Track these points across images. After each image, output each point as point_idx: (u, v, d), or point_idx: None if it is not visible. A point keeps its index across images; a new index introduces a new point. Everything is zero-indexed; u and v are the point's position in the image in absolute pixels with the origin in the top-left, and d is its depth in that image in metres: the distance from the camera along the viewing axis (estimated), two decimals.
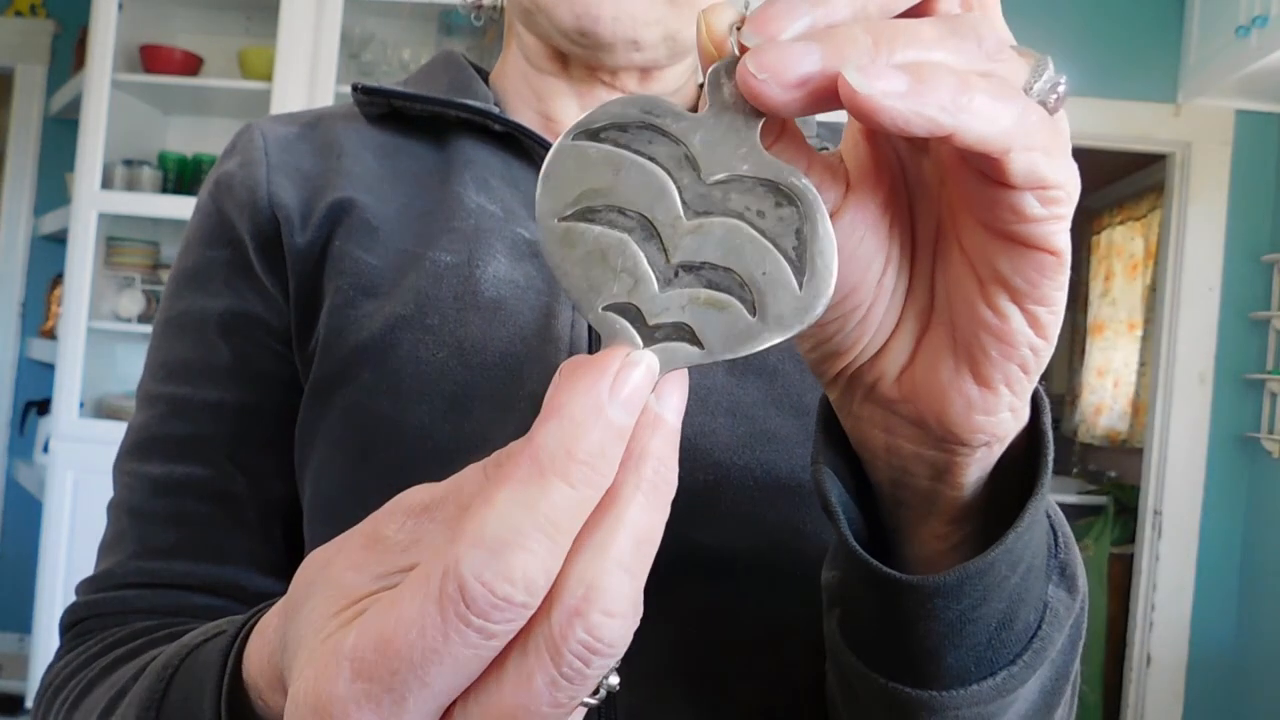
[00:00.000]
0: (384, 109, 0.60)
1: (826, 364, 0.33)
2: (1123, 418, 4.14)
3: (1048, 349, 0.30)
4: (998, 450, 0.33)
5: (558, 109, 0.61)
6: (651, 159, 0.26)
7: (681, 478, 0.49)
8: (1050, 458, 0.35)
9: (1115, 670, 3.21)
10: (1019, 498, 0.35)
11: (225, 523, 0.55)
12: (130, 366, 2.97)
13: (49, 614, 2.62)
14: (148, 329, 2.77)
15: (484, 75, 0.66)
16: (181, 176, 2.82)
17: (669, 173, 0.26)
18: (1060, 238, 0.28)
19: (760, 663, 0.51)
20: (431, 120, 0.60)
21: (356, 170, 0.58)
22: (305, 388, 0.55)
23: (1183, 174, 2.94)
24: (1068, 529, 0.43)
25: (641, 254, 0.26)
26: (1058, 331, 0.30)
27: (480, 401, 0.51)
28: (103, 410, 2.76)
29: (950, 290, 0.31)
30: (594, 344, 0.52)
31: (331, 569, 0.27)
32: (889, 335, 0.32)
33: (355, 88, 0.60)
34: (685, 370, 0.26)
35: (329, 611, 0.26)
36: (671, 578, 0.49)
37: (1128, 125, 2.89)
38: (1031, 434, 0.35)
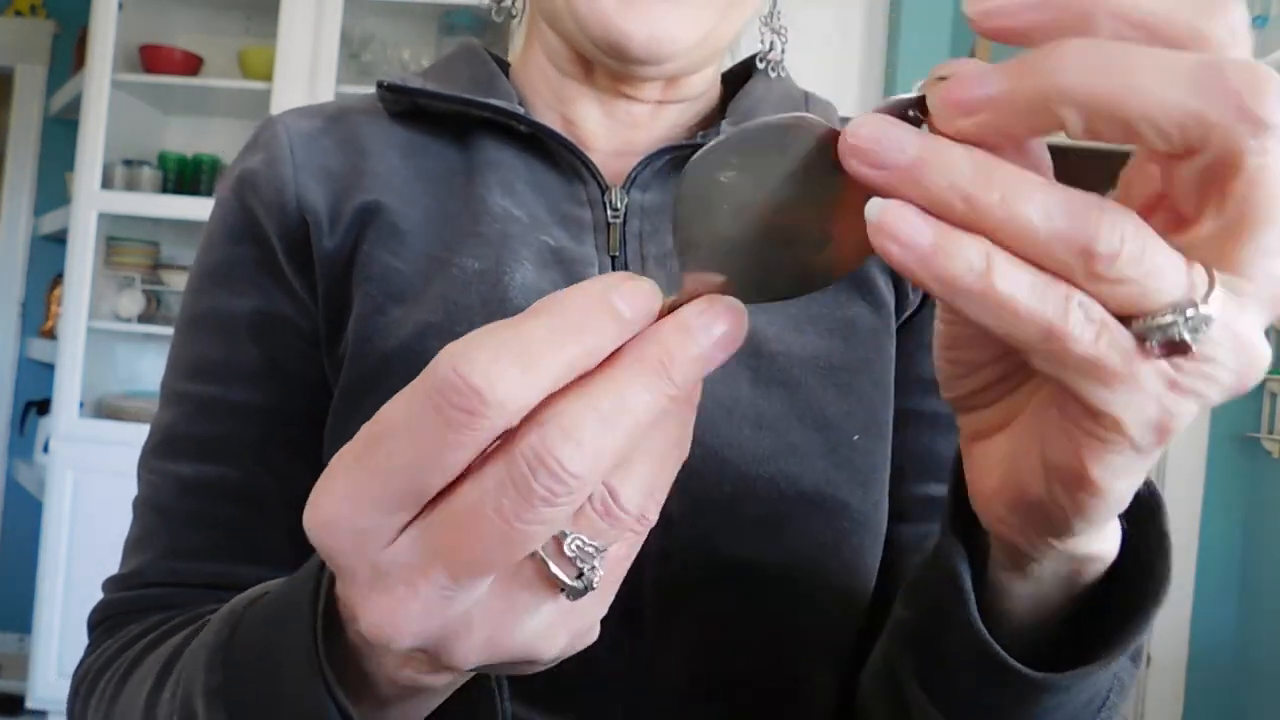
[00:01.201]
0: (407, 106, 0.60)
1: (942, 372, 0.33)
2: None
3: (1086, 527, 0.29)
4: (1046, 580, 0.34)
5: (579, 113, 0.61)
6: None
7: (706, 488, 0.48)
8: (1169, 566, 0.35)
9: None
10: (1125, 580, 0.35)
11: (254, 523, 0.55)
12: (130, 366, 2.96)
13: (49, 614, 2.62)
14: (148, 329, 2.77)
15: (504, 67, 0.65)
16: (181, 176, 2.82)
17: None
18: (1097, 465, 0.26)
19: (778, 670, 0.52)
20: (454, 118, 0.59)
21: (381, 171, 0.57)
22: (335, 391, 0.55)
23: None
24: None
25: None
26: (1086, 523, 0.29)
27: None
28: (103, 410, 2.76)
29: (1030, 416, 0.30)
30: None
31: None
32: (987, 401, 0.32)
33: (380, 84, 0.59)
34: (743, 311, 0.27)
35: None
36: (694, 584, 0.50)
37: None
38: (1147, 531, 0.35)
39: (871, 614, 0.55)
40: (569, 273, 0.55)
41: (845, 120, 0.66)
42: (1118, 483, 0.26)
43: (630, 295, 0.26)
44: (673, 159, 0.58)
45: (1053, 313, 0.23)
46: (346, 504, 0.27)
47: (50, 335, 3.25)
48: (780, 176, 0.27)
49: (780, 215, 0.27)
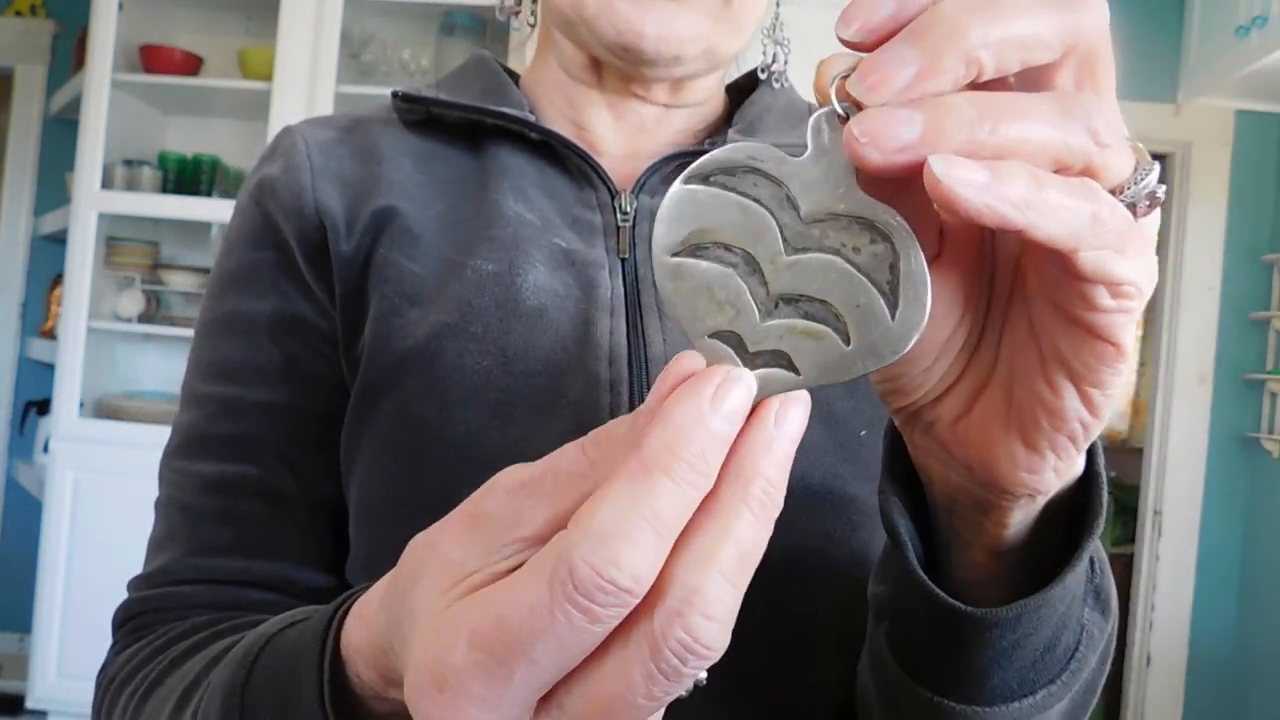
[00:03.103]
0: (421, 115, 0.61)
1: (890, 397, 0.35)
2: (1122, 418, 4.15)
3: (1098, 425, 0.32)
4: (1041, 501, 0.35)
5: (590, 118, 0.62)
6: (755, 200, 0.28)
7: None
8: (1104, 501, 0.36)
9: (1115, 670, 3.21)
10: (1068, 533, 0.37)
11: (277, 520, 0.56)
12: (130, 366, 2.97)
13: (49, 614, 2.62)
14: (148, 329, 2.77)
15: (515, 78, 0.67)
16: (181, 176, 2.82)
17: (771, 212, 0.28)
18: (1124, 330, 0.29)
19: (789, 662, 0.53)
20: (468, 126, 0.61)
21: (396, 177, 0.59)
22: (352, 392, 0.56)
23: (1182, 174, 2.94)
24: (1104, 554, 0.45)
25: (745, 287, 0.28)
26: (1110, 411, 0.31)
27: (523, 408, 0.52)
28: (102, 410, 2.76)
29: (1013, 357, 0.32)
30: (633, 353, 0.54)
31: (439, 548, 0.29)
32: (950, 384, 0.34)
33: (395, 94, 0.61)
34: (806, 397, 0.27)
35: (440, 588, 0.28)
36: None
37: (1127, 125, 2.87)
38: (1084, 475, 0.37)
39: None
40: (580, 275, 0.56)
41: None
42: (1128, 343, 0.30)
43: (733, 413, 0.26)
44: (680, 164, 0.59)
45: (1091, 200, 0.26)
46: (484, 708, 0.27)
47: (50, 335, 3.26)
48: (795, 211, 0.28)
49: (816, 263, 0.28)
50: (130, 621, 0.56)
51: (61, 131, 3.37)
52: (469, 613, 0.27)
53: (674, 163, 0.59)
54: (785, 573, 0.52)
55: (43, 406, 3.36)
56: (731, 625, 0.26)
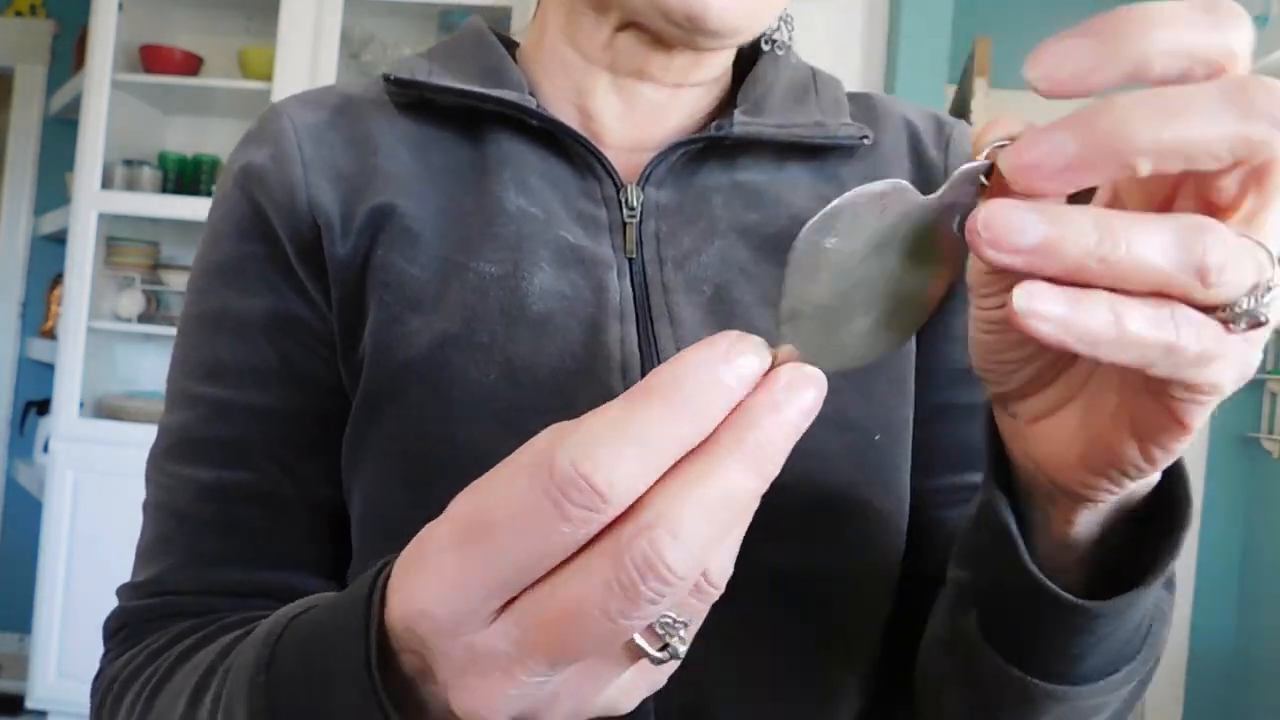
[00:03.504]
0: (415, 98, 0.58)
1: (985, 377, 0.36)
2: None
3: (1154, 473, 0.34)
4: (1103, 508, 0.37)
5: (597, 104, 0.59)
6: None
7: None
8: (1190, 496, 0.38)
9: None
10: (1153, 517, 0.38)
11: (276, 528, 0.55)
12: (130, 366, 2.97)
13: (49, 614, 2.62)
14: (148, 329, 2.77)
15: (510, 47, 0.63)
16: (181, 176, 2.82)
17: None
18: (1196, 418, 0.30)
19: (808, 671, 0.53)
20: (464, 110, 0.57)
21: (392, 169, 0.56)
22: (354, 399, 0.54)
23: None
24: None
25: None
26: (1169, 462, 0.33)
27: (533, 419, 0.49)
28: (103, 410, 2.76)
29: (1097, 387, 0.34)
30: (646, 363, 0.52)
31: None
32: (1040, 387, 0.35)
33: (386, 78, 0.58)
34: (820, 376, 0.28)
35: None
36: (727, 592, 0.49)
37: None
38: (1167, 471, 0.37)
39: (901, 605, 0.56)
40: (588, 274, 0.54)
41: (857, 97, 0.62)
42: (1200, 422, 0.31)
43: (743, 367, 0.27)
44: (686, 153, 0.57)
45: (1168, 334, 0.27)
46: (446, 590, 0.27)
47: (50, 335, 3.26)
48: (875, 242, 0.29)
49: (873, 279, 0.30)
50: (123, 631, 0.55)
51: (61, 131, 3.37)
52: (458, 500, 0.28)
53: (679, 151, 0.56)
54: (800, 580, 0.52)
55: (43, 406, 3.36)
56: (704, 565, 0.26)
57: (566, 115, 0.59)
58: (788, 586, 0.52)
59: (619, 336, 0.52)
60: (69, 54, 3.43)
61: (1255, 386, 2.90)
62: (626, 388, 0.49)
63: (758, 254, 0.56)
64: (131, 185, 2.74)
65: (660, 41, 0.55)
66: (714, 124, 0.57)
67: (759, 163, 0.58)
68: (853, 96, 0.63)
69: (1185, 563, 2.95)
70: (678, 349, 0.52)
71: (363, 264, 0.54)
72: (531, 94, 0.58)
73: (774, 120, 0.58)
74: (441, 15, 2.78)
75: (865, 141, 0.59)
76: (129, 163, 2.76)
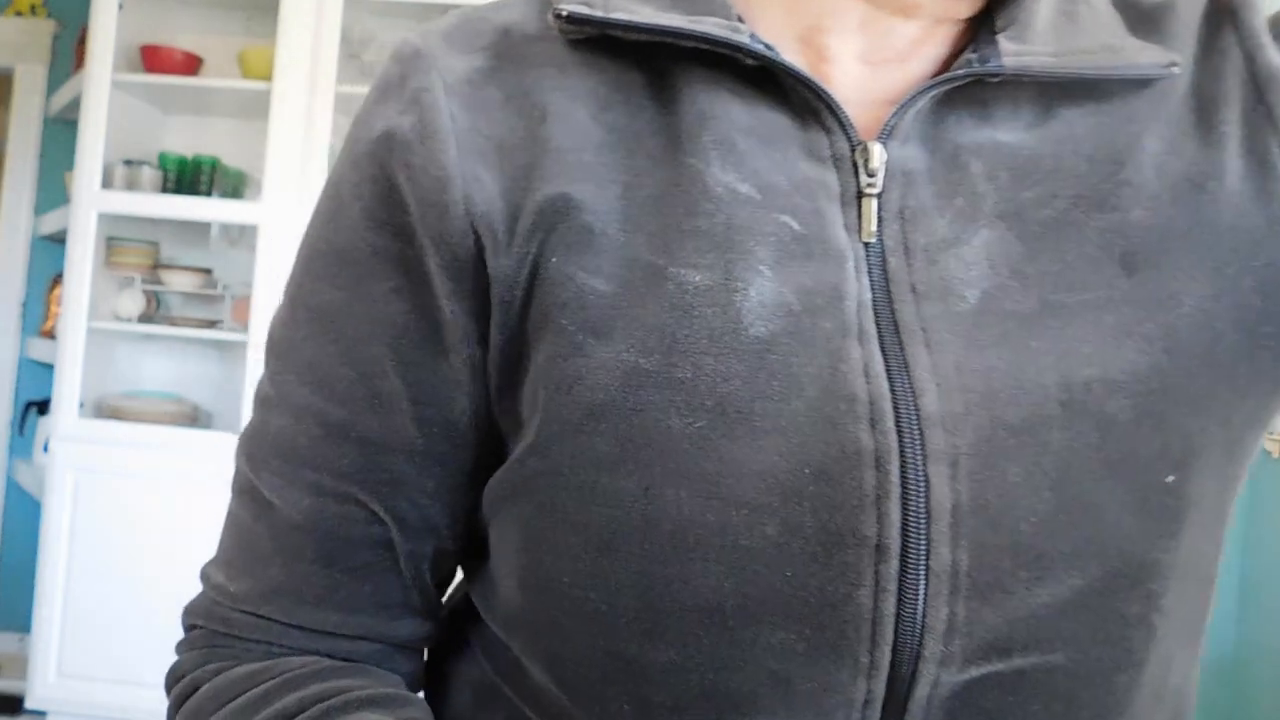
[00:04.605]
0: (594, 33, 0.45)
1: None
2: None
3: None
4: None
5: (835, 42, 0.45)
6: None
7: (999, 576, 0.39)
8: None
9: None
10: None
11: (380, 573, 0.48)
12: (130, 366, 2.97)
13: (49, 614, 2.62)
14: (148, 329, 2.77)
15: None
16: (181, 176, 2.82)
17: None
18: None
19: None
20: (649, 49, 0.45)
21: (566, 143, 0.44)
22: (514, 444, 0.45)
23: None
24: None
25: None
26: None
27: (749, 481, 0.39)
28: (103, 410, 2.76)
29: None
30: (899, 405, 0.39)
31: None
32: None
33: (558, 14, 0.45)
34: None
35: None
36: (979, 687, 0.40)
37: None
38: None
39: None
40: (819, 274, 0.41)
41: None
42: None
43: None
44: (939, 96, 0.43)
45: None
46: None
47: (50, 335, 3.26)
48: None
49: None
50: (199, 629, 0.51)
51: (61, 131, 3.37)
52: None
53: (930, 94, 0.43)
54: (1072, 673, 0.40)
55: (43, 406, 3.36)
56: None
57: (790, 52, 0.46)
58: (1045, 676, 0.42)
59: (861, 365, 0.40)
60: (69, 54, 3.43)
61: None
62: (877, 441, 0.39)
63: (1032, 249, 0.42)
64: (131, 185, 2.73)
65: None
66: (971, 54, 0.44)
67: (1018, 110, 0.44)
68: None
69: None
70: (938, 389, 0.40)
71: (530, 277, 0.43)
72: (740, 20, 0.45)
73: (1049, 48, 0.43)
74: (441, 16, 2.77)
75: (1174, 70, 0.44)
76: (129, 163, 2.75)
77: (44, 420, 3.29)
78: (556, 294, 0.42)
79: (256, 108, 2.73)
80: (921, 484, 0.39)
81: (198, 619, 0.51)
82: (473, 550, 0.51)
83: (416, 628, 0.51)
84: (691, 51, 0.44)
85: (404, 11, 2.78)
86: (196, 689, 0.48)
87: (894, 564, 0.38)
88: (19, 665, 3.06)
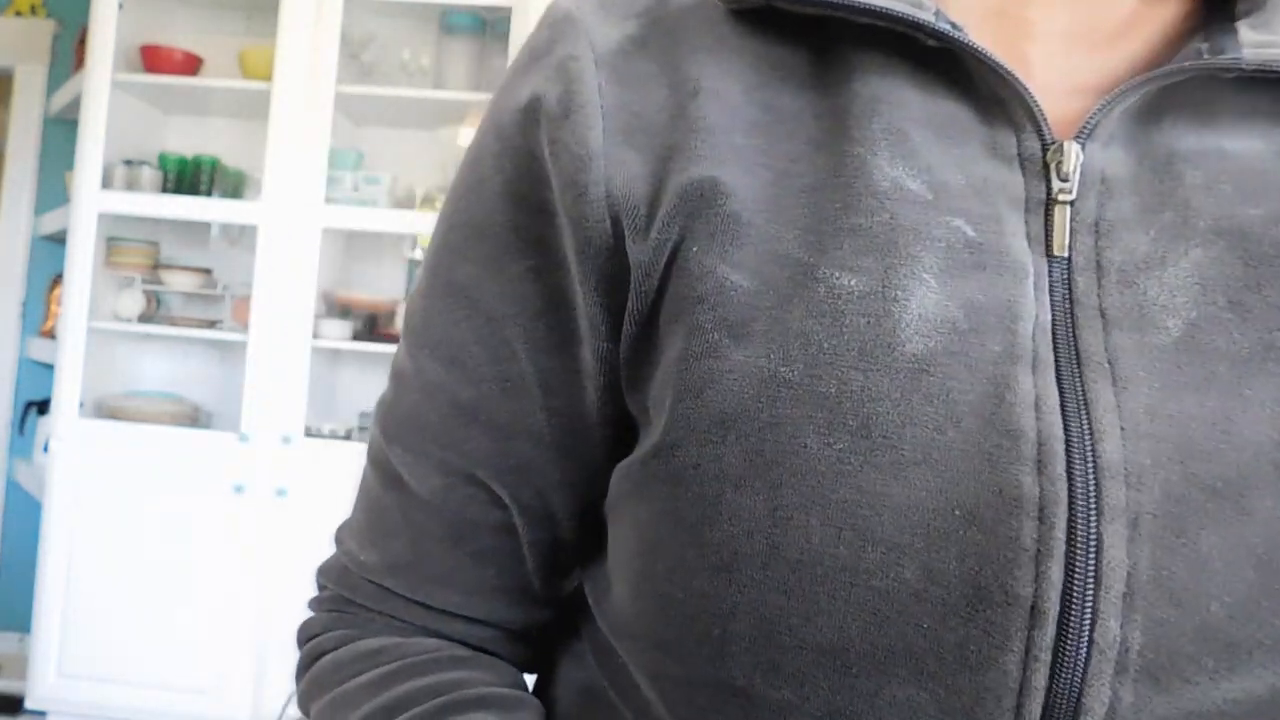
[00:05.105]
0: (758, 3, 0.41)
1: None
2: None
3: None
4: None
5: (1039, 16, 0.40)
6: None
7: (1180, 665, 0.34)
8: None
9: None
10: None
11: (503, 558, 0.48)
12: (130, 367, 2.97)
13: (48, 614, 2.62)
14: (148, 329, 2.77)
15: None
16: (181, 176, 2.82)
17: None
18: None
19: None
20: (816, 23, 0.41)
21: (717, 121, 0.40)
22: (639, 447, 0.41)
23: None
24: None
25: None
26: None
27: (889, 517, 0.35)
28: (103, 410, 2.76)
29: None
30: (1073, 448, 0.34)
31: None
32: None
33: None
34: None
35: None
36: None
37: None
38: None
39: None
40: (991, 289, 0.36)
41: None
42: None
43: None
44: (1155, 91, 0.38)
45: None
46: None
47: (50, 335, 3.26)
48: None
49: None
50: (329, 592, 0.51)
51: (61, 131, 3.37)
52: None
53: (1145, 88, 0.37)
54: None
55: (43, 406, 3.36)
56: None
57: (978, 32, 0.40)
58: None
59: (1031, 398, 0.35)
60: (69, 54, 3.43)
61: None
62: (1043, 487, 0.34)
63: (1257, 275, 0.36)
64: (131, 185, 2.74)
65: None
66: (1202, 43, 0.38)
67: (1254, 113, 0.39)
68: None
69: None
70: (1122, 434, 0.34)
71: (668, 266, 0.40)
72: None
73: None
74: (441, 15, 2.78)
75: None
76: (129, 163, 2.76)
77: (44, 420, 3.29)
78: (695, 287, 0.38)
79: (256, 108, 2.73)
80: (1092, 543, 0.33)
81: (329, 580, 0.51)
82: (593, 543, 0.49)
83: (536, 615, 0.50)
84: (865, 29, 0.40)
85: (404, 11, 2.79)
86: (322, 655, 0.49)
87: (1050, 631, 0.33)
88: (19, 665, 3.06)
